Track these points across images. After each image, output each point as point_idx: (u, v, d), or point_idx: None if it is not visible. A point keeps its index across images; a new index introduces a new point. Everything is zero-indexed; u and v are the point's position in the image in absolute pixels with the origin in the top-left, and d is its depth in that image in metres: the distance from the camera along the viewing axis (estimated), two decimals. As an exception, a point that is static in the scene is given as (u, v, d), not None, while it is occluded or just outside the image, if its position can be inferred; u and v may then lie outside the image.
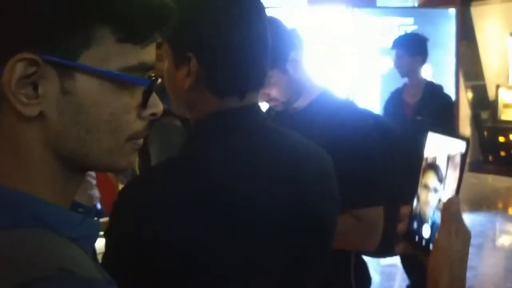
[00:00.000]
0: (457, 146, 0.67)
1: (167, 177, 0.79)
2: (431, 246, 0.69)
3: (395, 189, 1.49)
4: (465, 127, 7.02)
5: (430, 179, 0.71)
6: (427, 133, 0.73)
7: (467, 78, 7.33)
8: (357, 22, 5.08)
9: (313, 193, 0.88)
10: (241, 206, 0.80)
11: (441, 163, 0.70)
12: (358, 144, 1.36)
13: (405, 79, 3.28)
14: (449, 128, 3.01)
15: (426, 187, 0.72)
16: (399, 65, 3.20)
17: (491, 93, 7.57)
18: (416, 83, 3.22)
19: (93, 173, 2.97)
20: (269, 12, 0.92)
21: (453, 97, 5.34)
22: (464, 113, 6.77)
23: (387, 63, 4.88)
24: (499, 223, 5.66)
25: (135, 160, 0.58)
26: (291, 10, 5.03)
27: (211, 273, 0.78)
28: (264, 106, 1.48)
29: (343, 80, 4.88)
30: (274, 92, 1.39)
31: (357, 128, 1.39)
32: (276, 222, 0.82)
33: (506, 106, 7.33)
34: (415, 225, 0.73)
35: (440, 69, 5.18)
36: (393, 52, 3.22)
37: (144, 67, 0.54)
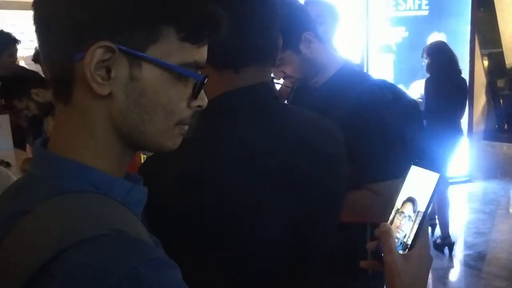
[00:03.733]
0: (432, 178, 0.76)
1: (167, 157, 0.83)
2: None
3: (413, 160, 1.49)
4: (481, 96, 6.96)
5: (407, 208, 0.78)
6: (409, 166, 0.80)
7: (483, 46, 7.22)
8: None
9: (309, 174, 0.91)
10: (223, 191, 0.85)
11: (417, 194, 0.78)
12: (375, 118, 1.37)
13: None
14: None
15: (402, 213, 0.79)
16: None
17: (508, 61, 7.46)
18: None
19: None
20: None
21: (467, 66, 5.34)
22: (480, 81, 6.70)
23: (401, 32, 4.87)
24: (512, 190, 5.69)
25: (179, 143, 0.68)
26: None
27: (222, 232, 0.85)
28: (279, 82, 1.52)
29: (355, 51, 4.87)
30: (288, 70, 1.42)
31: (374, 101, 1.39)
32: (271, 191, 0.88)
33: (523, 73, 7.24)
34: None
35: (455, 38, 5.15)
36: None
37: (197, 65, 0.64)
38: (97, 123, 0.60)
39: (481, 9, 6.73)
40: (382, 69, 5.06)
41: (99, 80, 0.57)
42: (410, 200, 0.79)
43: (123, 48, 0.57)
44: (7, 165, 3.01)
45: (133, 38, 0.58)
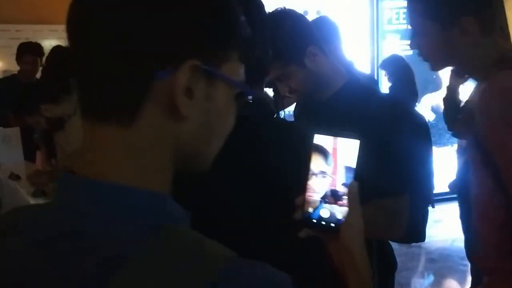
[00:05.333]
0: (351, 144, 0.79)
1: None
2: (332, 225, 0.79)
3: (421, 175, 1.46)
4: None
5: (316, 163, 0.80)
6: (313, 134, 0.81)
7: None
8: (374, 5, 5.06)
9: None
10: None
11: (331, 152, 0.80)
12: (382, 134, 1.34)
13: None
14: None
15: (313, 173, 0.81)
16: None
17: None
18: None
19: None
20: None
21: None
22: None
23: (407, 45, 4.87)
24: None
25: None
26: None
27: None
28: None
29: (364, 64, 4.88)
30: (293, 84, 1.41)
31: (380, 117, 1.38)
32: None
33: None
34: (310, 210, 0.81)
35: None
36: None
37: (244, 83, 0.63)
38: (163, 147, 0.55)
39: None
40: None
41: (185, 100, 0.53)
42: (320, 151, 0.80)
43: (208, 67, 0.54)
44: (17, 177, 3.03)
45: (215, 57, 0.55)
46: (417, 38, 1.27)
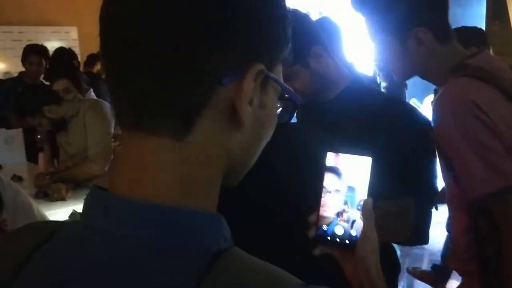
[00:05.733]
0: (363, 162, 0.79)
1: None
2: (347, 241, 0.79)
3: (426, 178, 1.45)
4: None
5: (329, 181, 0.81)
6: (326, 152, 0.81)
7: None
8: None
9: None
10: None
11: (342, 169, 0.80)
12: (387, 136, 1.33)
13: None
14: None
15: (327, 191, 0.81)
16: None
17: (523, 74, 7.39)
18: None
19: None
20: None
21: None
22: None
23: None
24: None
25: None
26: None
27: None
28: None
29: (367, 65, 4.88)
30: (297, 85, 1.41)
31: (386, 119, 1.36)
32: None
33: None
34: (324, 227, 0.81)
35: (470, 51, 5.12)
36: None
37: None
38: (217, 161, 0.49)
39: (496, 22, 6.67)
40: (395, 84, 5.04)
41: (248, 108, 0.48)
42: (332, 170, 0.81)
43: (269, 73, 0.49)
44: (19, 179, 3.04)
45: (272, 60, 0.51)
46: (380, 53, 1.32)
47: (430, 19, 1.24)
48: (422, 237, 1.44)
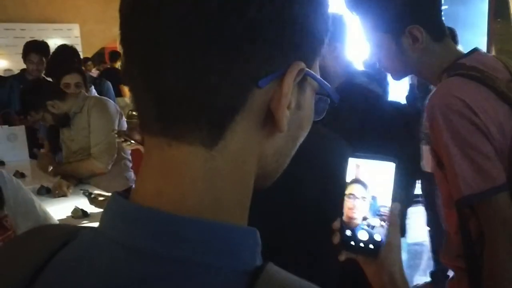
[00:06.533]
0: (387, 167, 0.79)
1: None
2: (371, 246, 0.80)
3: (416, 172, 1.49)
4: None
5: (356, 189, 0.81)
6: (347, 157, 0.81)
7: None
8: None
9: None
10: None
11: (366, 177, 0.80)
12: (382, 132, 1.38)
13: None
14: None
15: (352, 196, 0.81)
16: None
17: (525, 72, 7.39)
18: None
19: (129, 156, 3.11)
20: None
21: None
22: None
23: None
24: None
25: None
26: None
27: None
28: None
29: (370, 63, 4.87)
30: None
31: (381, 116, 1.41)
32: None
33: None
34: (348, 233, 0.81)
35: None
36: None
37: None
38: (250, 169, 0.45)
39: (498, 20, 6.67)
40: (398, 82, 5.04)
41: (286, 112, 0.43)
42: (357, 181, 0.81)
43: (310, 71, 0.45)
44: (22, 175, 3.06)
45: (311, 57, 0.46)
46: (374, 51, 1.32)
47: (424, 17, 1.25)
48: (403, 231, 1.46)
